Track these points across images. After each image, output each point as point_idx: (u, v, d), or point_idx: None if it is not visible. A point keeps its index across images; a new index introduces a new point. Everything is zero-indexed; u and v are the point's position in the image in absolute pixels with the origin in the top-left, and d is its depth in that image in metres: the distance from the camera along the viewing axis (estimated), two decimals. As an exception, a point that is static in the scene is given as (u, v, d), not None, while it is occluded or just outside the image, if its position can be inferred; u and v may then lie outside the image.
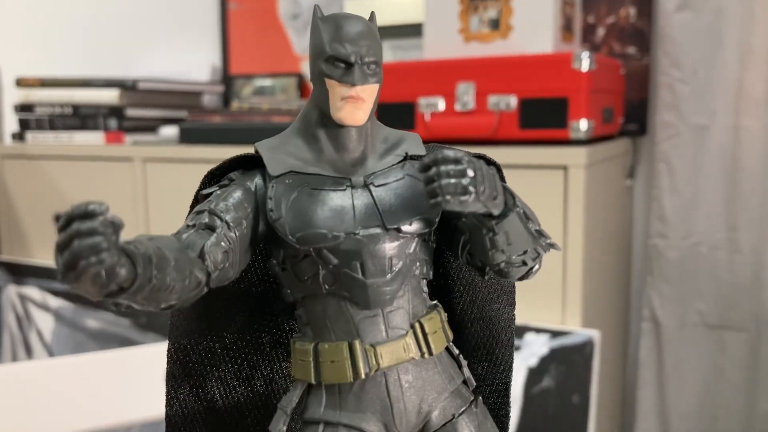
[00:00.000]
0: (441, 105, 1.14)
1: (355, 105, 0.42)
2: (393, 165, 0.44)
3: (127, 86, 1.54)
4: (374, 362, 0.42)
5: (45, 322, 1.57)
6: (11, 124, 1.70)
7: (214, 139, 1.40)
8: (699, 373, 1.39)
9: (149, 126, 1.60)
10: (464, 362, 0.46)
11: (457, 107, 1.13)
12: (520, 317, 1.07)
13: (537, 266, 0.43)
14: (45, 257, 1.60)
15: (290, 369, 0.46)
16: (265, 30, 1.85)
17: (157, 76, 1.75)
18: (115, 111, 1.53)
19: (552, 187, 1.05)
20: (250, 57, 1.88)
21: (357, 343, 0.42)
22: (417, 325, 0.43)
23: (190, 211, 0.43)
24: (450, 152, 0.36)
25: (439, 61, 1.15)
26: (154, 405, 0.59)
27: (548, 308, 1.06)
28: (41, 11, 2.00)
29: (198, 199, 0.43)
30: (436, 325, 0.44)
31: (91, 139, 1.55)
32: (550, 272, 1.05)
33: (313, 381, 0.42)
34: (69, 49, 1.97)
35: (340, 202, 0.42)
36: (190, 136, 1.44)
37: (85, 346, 1.51)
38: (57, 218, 0.31)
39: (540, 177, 1.06)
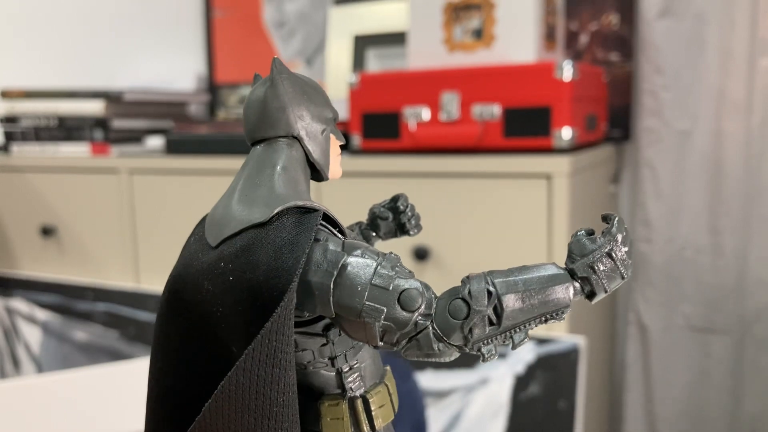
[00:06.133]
0: (426, 114, 1.15)
1: None
2: None
3: (112, 97, 1.54)
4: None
5: (32, 335, 1.56)
6: (-4, 135, 1.69)
7: (201, 149, 1.40)
8: (685, 376, 1.40)
9: (135, 137, 1.60)
10: None
11: (442, 117, 1.13)
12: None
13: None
14: (31, 269, 1.60)
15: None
16: (250, 38, 1.85)
17: (143, 86, 1.75)
18: (101, 122, 1.53)
19: (536, 195, 1.06)
20: (236, 65, 1.88)
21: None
22: None
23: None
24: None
25: (423, 71, 1.16)
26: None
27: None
28: (25, 22, 1.99)
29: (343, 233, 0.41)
30: None
31: (77, 150, 1.55)
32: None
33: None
34: (54, 60, 1.96)
35: None
36: (176, 146, 1.44)
37: (73, 358, 1.51)
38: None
39: (524, 186, 1.07)
